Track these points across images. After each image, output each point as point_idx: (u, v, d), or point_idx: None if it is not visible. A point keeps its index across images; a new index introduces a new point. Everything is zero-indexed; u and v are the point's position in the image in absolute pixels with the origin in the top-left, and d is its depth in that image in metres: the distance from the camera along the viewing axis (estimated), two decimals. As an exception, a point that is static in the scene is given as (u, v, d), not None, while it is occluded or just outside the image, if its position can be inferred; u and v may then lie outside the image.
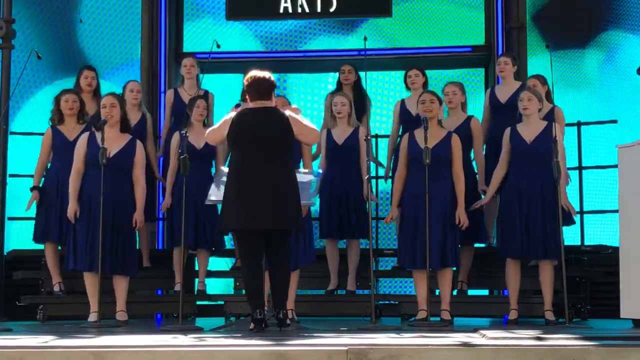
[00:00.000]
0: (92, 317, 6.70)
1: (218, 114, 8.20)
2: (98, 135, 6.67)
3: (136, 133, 7.33)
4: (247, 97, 6.18)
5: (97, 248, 6.57)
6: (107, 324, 6.58)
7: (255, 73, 6.14)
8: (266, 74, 6.14)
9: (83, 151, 6.78)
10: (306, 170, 6.66)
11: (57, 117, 7.46)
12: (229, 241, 7.90)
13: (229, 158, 7.07)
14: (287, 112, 6.13)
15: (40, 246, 7.59)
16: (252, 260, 6.02)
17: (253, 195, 5.92)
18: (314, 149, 7.43)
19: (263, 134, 6.01)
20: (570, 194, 7.39)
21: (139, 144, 6.99)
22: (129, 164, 6.84)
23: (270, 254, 6.08)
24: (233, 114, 6.14)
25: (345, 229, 7.53)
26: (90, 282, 6.69)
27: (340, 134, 7.51)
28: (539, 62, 9.20)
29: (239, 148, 6.07)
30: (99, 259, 6.55)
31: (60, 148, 7.42)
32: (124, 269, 6.81)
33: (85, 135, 6.87)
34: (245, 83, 6.18)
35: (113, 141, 6.79)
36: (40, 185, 7.48)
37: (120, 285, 6.87)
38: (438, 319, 6.75)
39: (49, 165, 7.56)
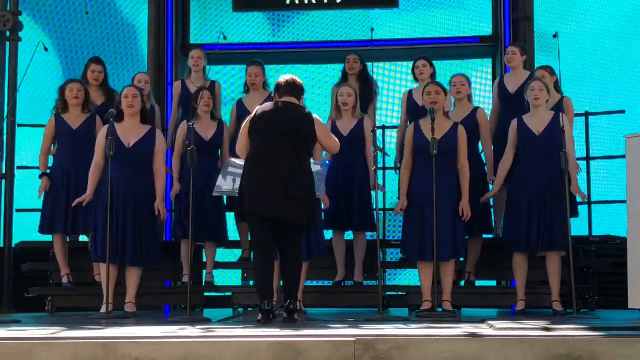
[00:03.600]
0: (103, 308, 6.70)
1: (225, 105, 8.21)
2: (117, 127, 6.69)
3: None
4: (274, 93, 6.19)
5: (114, 239, 6.59)
6: (116, 316, 6.60)
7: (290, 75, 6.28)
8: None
9: (103, 144, 6.72)
10: (316, 162, 6.65)
11: (62, 106, 7.45)
12: (232, 233, 7.90)
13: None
14: (315, 115, 6.16)
15: (49, 237, 7.61)
16: (263, 251, 6.04)
17: (269, 184, 5.93)
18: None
19: (287, 126, 6.02)
20: (578, 184, 7.37)
21: (159, 133, 6.97)
22: (149, 154, 6.82)
23: (282, 245, 6.10)
24: (250, 115, 6.15)
25: (352, 221, 7.52)
26: (105, 274, 6.69)
27: (345, 126, 7.49)
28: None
29: (261, 138, 6.04)
30: (115, 250, 6.59)
31: (64, 136, 7.42)
32: (140, 260, 6.79)
33: (105, 128, 6.83)
34: (281, 81, 6.19)
35: (133, 132, 6.80)
36: (48, 172, 7.47)
37: (133, 277, 6.86)
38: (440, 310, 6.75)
39: (52, 153, 7.56)
